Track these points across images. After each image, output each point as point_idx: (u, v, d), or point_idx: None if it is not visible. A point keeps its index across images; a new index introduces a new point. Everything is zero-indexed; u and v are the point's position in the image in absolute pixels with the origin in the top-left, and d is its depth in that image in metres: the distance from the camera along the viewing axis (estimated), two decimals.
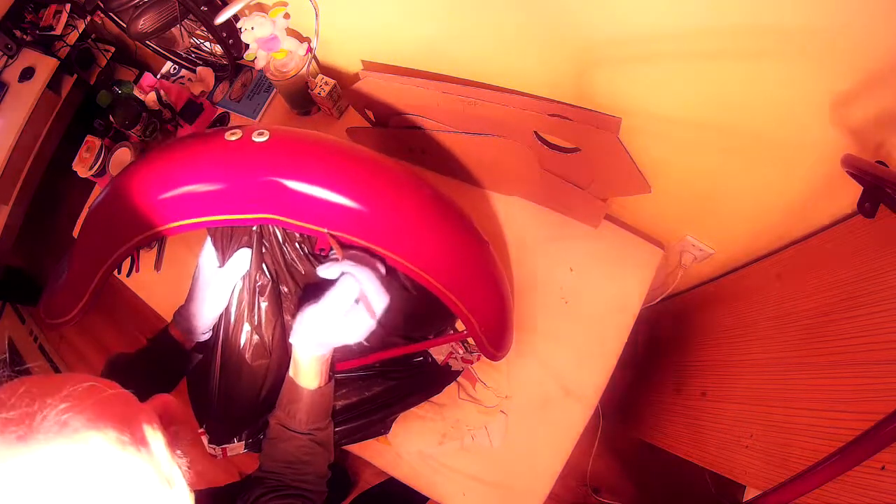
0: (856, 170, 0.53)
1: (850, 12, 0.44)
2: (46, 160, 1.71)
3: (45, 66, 1.55)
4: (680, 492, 1.24)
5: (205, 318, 0.69)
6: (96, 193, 1.06)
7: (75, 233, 1.06)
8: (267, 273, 0.68)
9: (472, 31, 0.70)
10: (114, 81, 1.05)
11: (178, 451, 0.36)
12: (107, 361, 0.67)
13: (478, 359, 0.83)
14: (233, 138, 0.55)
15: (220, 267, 0.67)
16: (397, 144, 0.88)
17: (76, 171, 1.07)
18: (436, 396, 0.81)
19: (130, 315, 1.89)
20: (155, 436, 0.34)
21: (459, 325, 0.81)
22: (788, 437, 0.64)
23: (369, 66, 0.91)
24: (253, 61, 0.92)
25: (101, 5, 0.90)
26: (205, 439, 0.74)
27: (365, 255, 0.60)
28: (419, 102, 0.77)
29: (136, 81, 1.10)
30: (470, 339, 0.83)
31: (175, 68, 1.16)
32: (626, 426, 1.23)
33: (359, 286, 0.56)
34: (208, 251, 0.68)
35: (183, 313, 0.69)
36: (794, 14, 0.46)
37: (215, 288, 0.68)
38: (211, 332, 0.71)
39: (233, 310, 0.70)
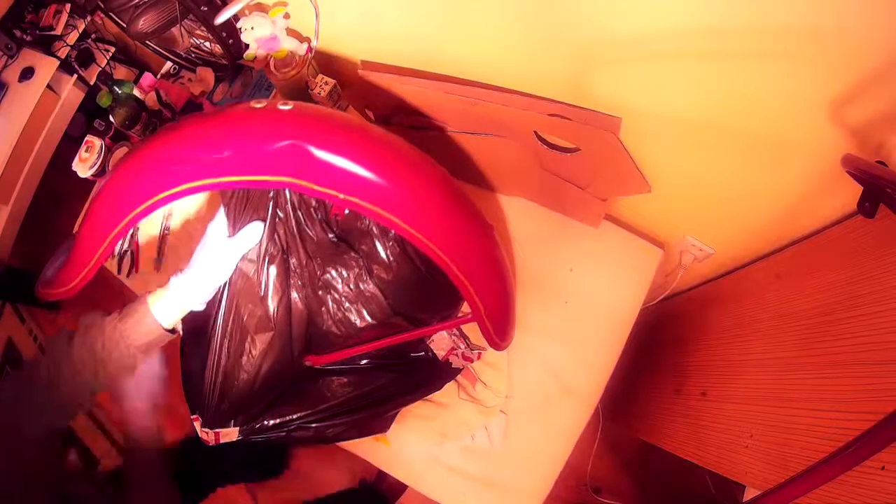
0: (856, 170, 0.53)
1: (850, 13, 0.44)
2: (46, 160, 1.71)
3: (45, 66, 1.55)
4: (680, 492, 1.24)
5: (205, 288, 0.67)
6: (96, 192, 1.06)
7: (75, 231, 1.06)
8: (278, 242, 0.68)
9: (472, 31, 0.70)
10: (114, 81, 1.05)
11: None
12: None
13: (478, 357, 0.83)
14: (259, 106, 0.58)
15: (229, 237, 0.67)
16: None
17: (76, 171, 1.06)
18: (436, 396, 0.81)
19: None
20: None
21: (465, 312, 0.81)
22: (788, 437, 0.64)
23: (369, 66, 0.91)
24: (253, 61, 0.92)
25: (101, 5, 0.90)
26: (198, 424, 0.73)
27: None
28: (419, 102, 0.77)
29: (136, 81, 1.10)
30: (471, 336, 0.83)
31: (175, 68, 1.16)
32: (626, 426, 1.23)
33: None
34: (219, 220, 0.67)
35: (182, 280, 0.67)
36: (793, 14, 0.46)
37: (221, 258, 0.66)
38: (205, 305, 0.69)
39: (236, 283, 0.69)
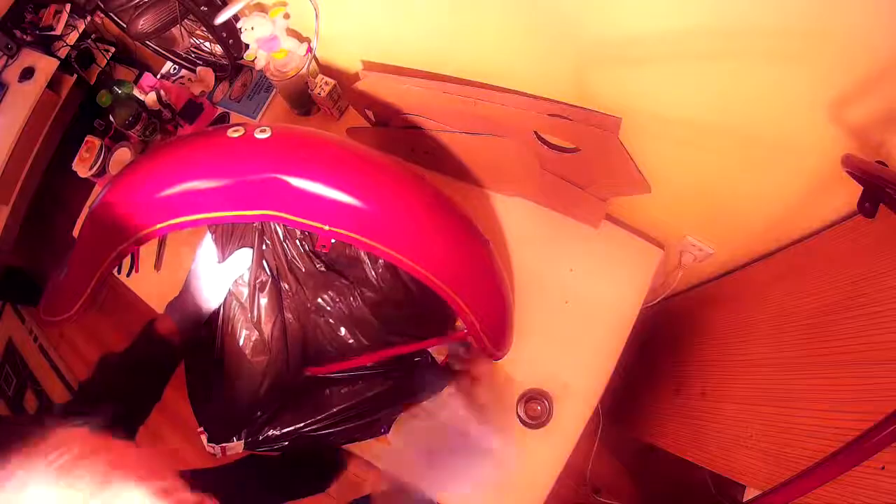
0: (856, 170, 0.53)
1: (851, 13, 0.43)
2: (46, 160, 1.71)
3: (45, 66, 1.56)
4: (680, 492, 1.24)
5: (199, 312, 0.68)
6: (96, 193, 1.06)
7: (75, 233, 1.06)
8: (267, 270, 0.68)
9: (473, 32, 0.70)
10: (114, 81, 1.05)
11: None
12: (100, 360, 0.64)
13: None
14: (235, 135, 0.56)
15: (218, 263, 0.67)
16: (398, 144, 0.88)
17: (76, 171, 1.07)
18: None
19: (131, 315, 1.89)
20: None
21: (460, 325, 0.81)
22: (788, 437, 0.64)
23: (369, 66, 0.91)
24: (253, 61, 0.92)
25: (101, 5, 0.90)
26: (204, 438, 0.74)
27: None
28: (419, 102, 0.76)
29: (136, 81, 1.10)
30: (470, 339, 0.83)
31: (175, 68, 1.16)
32: (626, 426, 1.23)
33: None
34: (207, 246, 0.68)
35: (176, 306, 0.68)
36: (793, 15, 0.46)
37: (212, 283, 0.67)
38: (201, 327, 0.70)
39: (231, 306, 0.69)
